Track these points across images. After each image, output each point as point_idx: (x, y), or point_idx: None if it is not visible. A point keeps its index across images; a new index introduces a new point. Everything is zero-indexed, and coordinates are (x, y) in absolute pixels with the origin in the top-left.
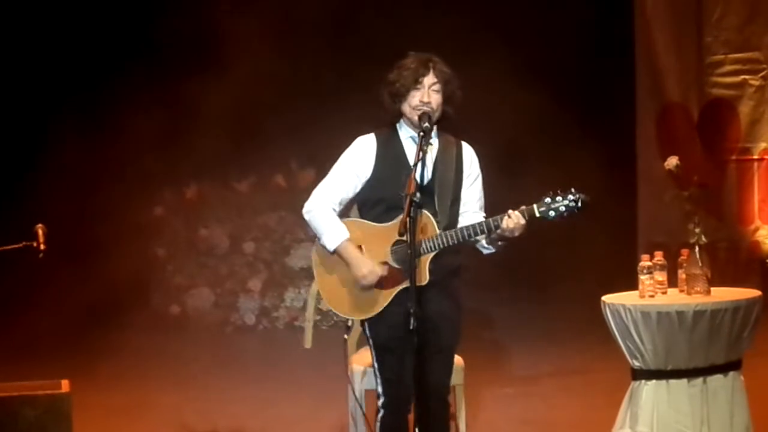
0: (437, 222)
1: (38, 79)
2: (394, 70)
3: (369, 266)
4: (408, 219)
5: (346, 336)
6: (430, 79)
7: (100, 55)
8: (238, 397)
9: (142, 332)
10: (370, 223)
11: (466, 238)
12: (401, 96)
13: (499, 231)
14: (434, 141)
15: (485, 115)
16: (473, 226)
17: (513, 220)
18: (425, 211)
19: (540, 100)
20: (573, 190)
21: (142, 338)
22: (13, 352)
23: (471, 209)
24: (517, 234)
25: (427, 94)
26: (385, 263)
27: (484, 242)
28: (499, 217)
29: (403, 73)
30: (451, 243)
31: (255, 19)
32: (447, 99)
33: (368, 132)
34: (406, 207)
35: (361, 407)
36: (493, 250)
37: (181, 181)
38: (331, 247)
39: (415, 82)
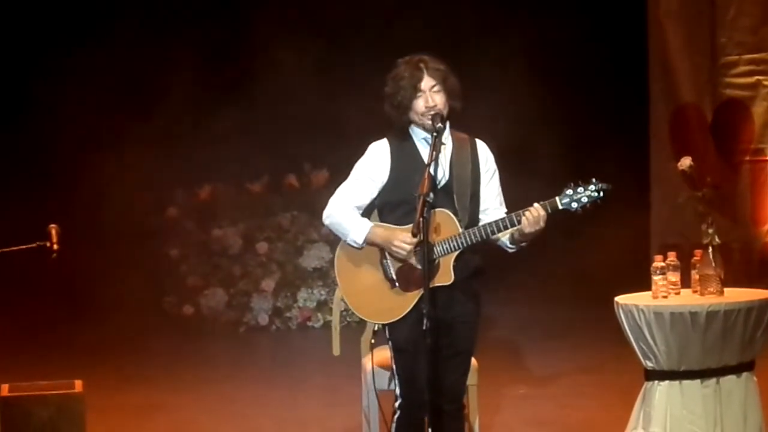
0: (459, 221)
1: (51, 80)
2: (389, 83)
3: (402, 234)
4: (421, 219)
5: (372, 340)
6: (427, 82)
7: (108, 57)
8: (252, 397)
9: (156, 333)
10: (392, 226)
11: (490, 235)
12: (405, 107)
13: (520, 226)
14: (447, 140)
15: (496, 117)
16: (496, 222)
17: (534, 212)
18: (445, 210)
19: (552, 101)
20: (594, 180)
21: (156, 339)
22: (27, 352)
23: (492, 206)
24: (538, 228)
25: (430, 98)
26: (410, 265)
27: (507, 241)
28: (521, 211)
29: (400, 83)
30: (474, 241)
31: (268, 21)
32: (450, 94)
33: (380, 132)
34: (419, 207)
35: (379, 405)
36: (516, 249)
37: (195, 182)
38: (360, 239)
39: (414, 90)
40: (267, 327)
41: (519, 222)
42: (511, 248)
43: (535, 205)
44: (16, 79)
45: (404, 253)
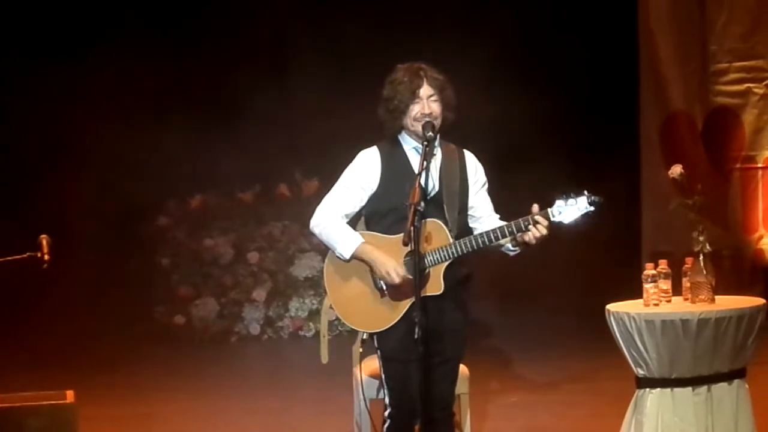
0: (449, 231)
1: (40, 89)
2: (387, 86)
3: (393, 263)
4: (412, 228)
5: (360, 349)
6: (426, 90)
7: (98, 66)
8: (243, 407)
9: (147, 342)
10: (380, 235)
11: (480, 245)
12: (400, 112)
13: (518, 238)
14: (437, 150)
15: (488, 123)
16: (487, 233)
17: (541, 225)
18: (436, 220)
19: (543, 109)
20: (586, 192)
21: (147, 348)
22: (18, 362)
23: (485, 214)
24: (540, 237)
25: (426, 105)
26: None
27: (509, 245)
28: (521, 220)
29: (398, 88)
30: (465, 251)
31: (260, 34)
32: (446, 105)
33: (371, 141)
34: (410, 217)
35: (369, 415)
36: (519, 251)
37: (186, 191)
38: (348, 254)
39: (412, 95)
40: (258, 336)
41: (511, 232)
42: (513, 250)
43: (537, 217)
44: (4, 87)
45: (392, 281)
